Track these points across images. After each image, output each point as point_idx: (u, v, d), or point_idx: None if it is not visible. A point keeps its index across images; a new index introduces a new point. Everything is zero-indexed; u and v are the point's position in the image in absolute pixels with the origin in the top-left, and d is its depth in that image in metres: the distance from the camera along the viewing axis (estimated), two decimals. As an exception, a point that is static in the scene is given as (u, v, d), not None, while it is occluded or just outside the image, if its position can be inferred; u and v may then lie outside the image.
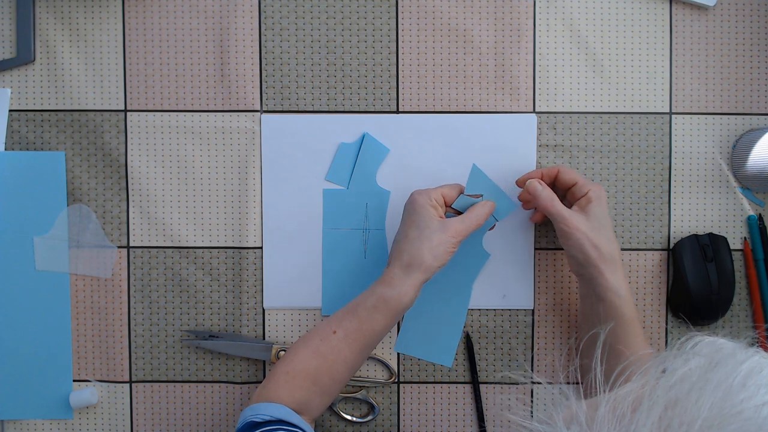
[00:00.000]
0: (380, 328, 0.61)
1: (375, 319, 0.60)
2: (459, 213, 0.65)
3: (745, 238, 0.70)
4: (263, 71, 0.70)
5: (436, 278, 0.62)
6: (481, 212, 0.63)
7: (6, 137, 0.70)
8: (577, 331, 0.70)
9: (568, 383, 0.70)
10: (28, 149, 0.70)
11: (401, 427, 0.71)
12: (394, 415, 0.71)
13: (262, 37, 0.70)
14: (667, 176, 0.70)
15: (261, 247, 0.70)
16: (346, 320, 0.61)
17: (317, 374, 0.60)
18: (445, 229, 0.60)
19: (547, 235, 0.70)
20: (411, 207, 0.62)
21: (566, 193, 0.65)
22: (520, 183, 0.66)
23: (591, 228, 0.61)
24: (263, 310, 0.70)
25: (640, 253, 0.70)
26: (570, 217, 0.61)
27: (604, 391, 0.38)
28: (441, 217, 0.62)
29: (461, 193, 0.65)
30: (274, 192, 0.70)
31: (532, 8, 0.69)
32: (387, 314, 0.60)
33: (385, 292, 0.60)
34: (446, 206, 0.64)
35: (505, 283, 0.70)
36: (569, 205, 0.63)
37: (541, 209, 0.63)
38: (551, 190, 0.63)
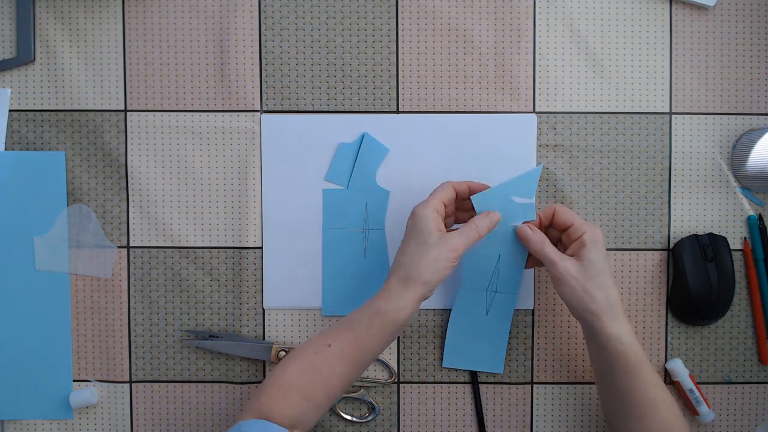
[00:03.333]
0: (376, 343, 0.59)
1: (371, 335, 0.59)
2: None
3: (745, 238, 0.70)
4: (263, 71, 0.70)
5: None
6: (482, 225, 0.61)
7: (6, 137, 0.70)
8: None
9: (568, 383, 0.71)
10: (28, 149, 0.70)
11: (401, 427, 0.71)
12: (394, 415, 0.71)
13: (262, 37, 0.70)
14: (667, 176, 0.70)
15: (261, 247, 0.70)
16: (342, 334, 0.59)
17: (310, 389, 0.58)
18: (444, 244, 0.59)
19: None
20: (412, 221, 0.61)
21: (562, 234, 0.63)
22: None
23: (584, 274, 0.59)
24: (263, 310, 0.70)
25: (640, 253, 0.70)
26: (560, 262, 0.60)
27: None
28: (441, 231, 0.60)
29: (455, 191, 0.63)
30: (274, 192, 0.70)
31: (532, 8, 0.69)
32: (384, 329, 0.59)
33: (382, 307, 0.59)
34: (451, 211, 0.64)
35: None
36: (566, 248, 0.62)
37: (532, 254, 0.63)
38: (542, 234, 0.62)
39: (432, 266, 0.58)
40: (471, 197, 0.63)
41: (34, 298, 0.70)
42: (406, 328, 0.70)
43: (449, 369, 0.70)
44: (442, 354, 0.70)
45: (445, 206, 0.62)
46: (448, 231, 0.62)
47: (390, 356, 0.70)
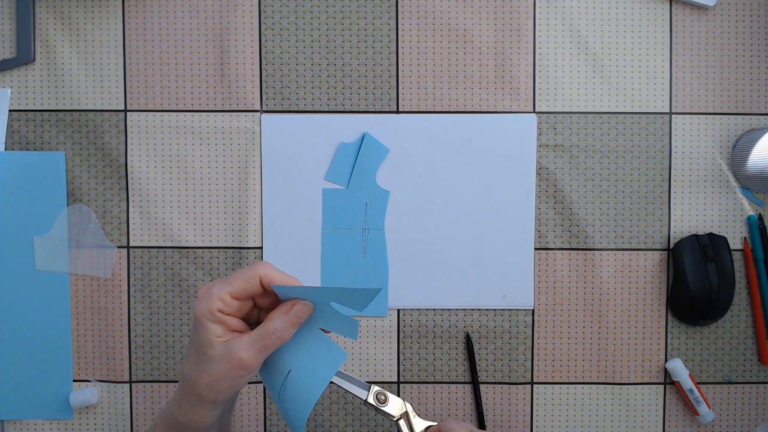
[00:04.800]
0: None
1: None
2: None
3: (745, 238, 0.70)
4: (263, 71, 0.70)
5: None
6: (279, 326, 0.46)
7: (6, 137, 0.70)
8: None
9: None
10: (28, 149, 0.70)
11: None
12: (394, 415, 0.71)
13: (262, 37, 0.70)
14: (667, 176, 0.70)
15: (261, 247, 0.70)
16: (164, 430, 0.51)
17: None
18: (227, 359, 0.45)
19: (547, 235, 0.70)
20: (194, 319, 0.47)
21: None
22: None
23: None
24: (263, 310, 0.70)
25: (640, 253, 0.70)
26: None
27: None
28: (233, 331, 0.47)
29: (263, 282, 0.47)
30: (274, 192, 0.70)
31: (532, 8, 0.69)
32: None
33: (178, 417, 0.49)
34: (258, 298, 0.49)
35: (505, 283, 0.70)
36: None
37: None
38: None
39: (215, 386, 0.46)
40: (273, 285, 0.47)
41: (34, 298, 0.70)
42: (406, 329, 0.70)
43: (449, 368, 0.70)
44: (442, 354, 0.70)
45: (238, 299, 0.47)
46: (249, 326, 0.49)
47: (390, 356, 0.71)
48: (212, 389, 0.46)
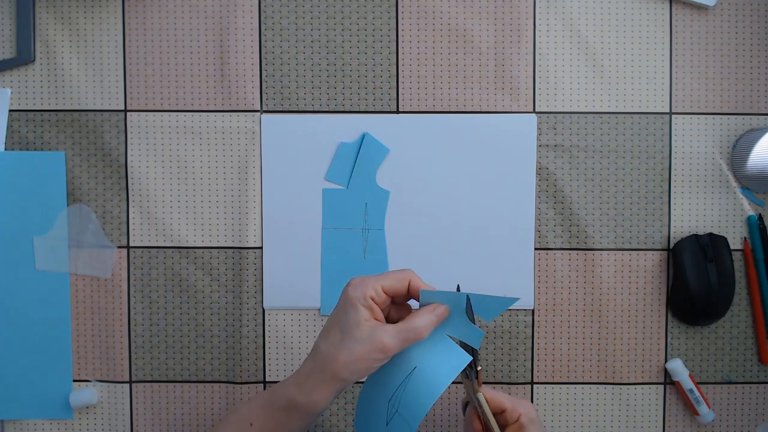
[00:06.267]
0: (296, 427, 0.54)
1: (289, 421, 0.53)
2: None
3: (745, 238, 0.70)
4: (263, 71, 0.70)
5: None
6: (422, 324, 0.51)
7: (6, 137, 0.70)
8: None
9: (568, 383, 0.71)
10: (28, 149, 0.70)
11: None
12: None
13: (262, 37, 0.70)
14: (667, 176, 0.70)
15: (261, 247, 0.70)
16: (262, 416, 0.54)
17: None
18: (372, 341, 0.50)
19: (547, 235, 0.70)
20: (342, 300, 0.52)
21: (498, 416, 0.56)
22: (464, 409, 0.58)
23: None
24: (263, 310, 0.70)
25: (640, 253, 0.70)
26: None
27: None
28: (376, 320, 0.51)
29: (411, 285, 0.53)
30: (274, 192, 0.70)
31: (532, 8, 0.69)
32: (301, 417, 0.53)
33: (296, 398, 0.52)
34: (396, 298, 0.53)
35: (505, 283, 0.70)
36: (503, 429, 0.56)
37: None
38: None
39: (352, 366, 0.50)
40: (421, 290, 0.52)
41: (34, 298, 0.70)
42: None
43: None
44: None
45: (388, 295, 0.52)
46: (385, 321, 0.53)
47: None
48: (348, 368, 0.50)
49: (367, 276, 0.52)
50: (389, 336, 0.50)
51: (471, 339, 0.52)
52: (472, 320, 0.52)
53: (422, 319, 0.51)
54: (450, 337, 0.53)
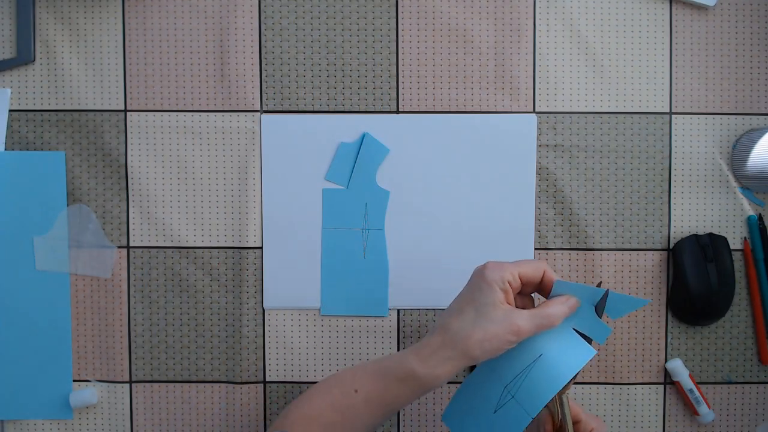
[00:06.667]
0: (405, 399, 0.55)
1: (401, 392, 0.54)
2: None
3: (745, 238, 0.70)
4: (263, 71, 0.70)
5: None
6: (557, 312, 0.53)
7: (6, 137, 0.70)
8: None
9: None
10: (28, 149, 0.70)
11: (401, 427, 0.71)
12: (393, 415, 0.71)
13: (262, 37, 0.70)
14: (667, 176, 0.70)
15: (261, 247, 0.70)
16: (370, 383, 0.55)
17: (333, 428, 0.55)
18: (507, 323, 0.52)
19: (547, 235, 0.70)
20: (477, 281, 0.54)
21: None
22: None
23: None
24: (263, 310, 0.70)
25: (640, 253, 0.70)
26: None
27: None
28: (509, 303, 0.53)
29: (545, 275, 0.55)
30: (274, 192, 0.70)
31: (532, 8, 0.69)
32: (416, 390, 0.54)
33: (418, 370, 0.53)
34: (525, 287, 0.55)
35: (505, 283, 0.70)
36: None
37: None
38: None
39: (485, 344, 0.52)
40: (556, 280, 0.55)
41: (34, 298, 0.70)
42: (406, 329, 0.70)
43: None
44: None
45: (522, 282, 0.54)
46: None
47: (390, 356, 0.71)
48: (481, 346, 0.52)
49: (503, 261, 0.54)
50: (524, 320, 0.52)
51: (597, 334, 0.54)
52: (600, 316, 0.54)
53: (556, 308, 0.53)
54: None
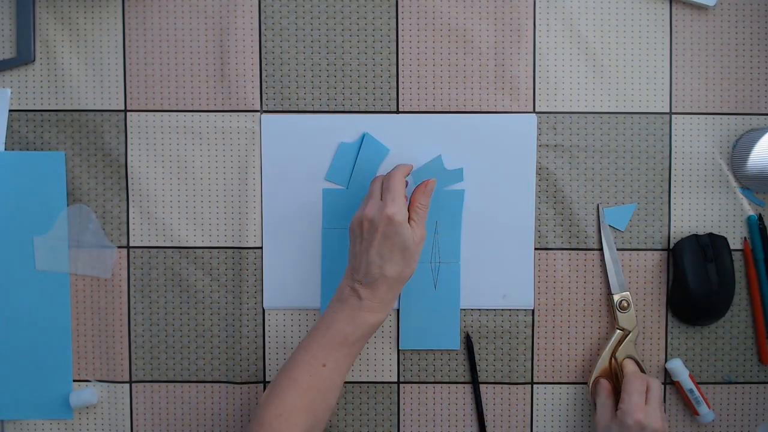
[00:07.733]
0: (363, 347, 0.64)
1: (363, 342, 0.62)
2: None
3: (745, 238, 0.70)
4: (263, 71, 0.70)
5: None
6: (425, 202, 0.63)
7: (6, 137, 0.70)
8: None
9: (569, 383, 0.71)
10: (28, 149, 0.70)
11: (401, 427, 0.71)
12: (394, 415, 0.71)
13: (262, 37, 0.70)
14: (667, 176, 0.70)
15: (261, 247, 0.70)
16: (336, 352, 0.60)
17: (313, 407, 0.59)
18: (419, 240, 0.61)
19: (547, 235, 0.70)
20: (391, 229, 0.60)
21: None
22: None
23: None
24: (263, 310, 0.70)
25: (640, 253, 0.70)
26: None
27: None
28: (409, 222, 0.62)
29: (407, 172, 0.65)
30: (274, 192, 0.70)
31: (532, 8, 0.69)
32: (374, 331, 0.62)
33: (372, 320, 0.61)
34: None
35: (505, 283, 0.70)
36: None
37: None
38: None
39: (415, 264, 0.62)
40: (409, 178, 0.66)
41: (34, 298, 0.70)
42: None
43: (449, 368, 0.70)
44: (442, 354, 0.70)
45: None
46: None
47: (390, 356, 0.71)
48: (412, 267, 0.61)
49: (394, 203, 0.60)
50: (420, 227, 0.62)
51: (457, 177, 0.69)
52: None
53: (423, 198, 0.63)
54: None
